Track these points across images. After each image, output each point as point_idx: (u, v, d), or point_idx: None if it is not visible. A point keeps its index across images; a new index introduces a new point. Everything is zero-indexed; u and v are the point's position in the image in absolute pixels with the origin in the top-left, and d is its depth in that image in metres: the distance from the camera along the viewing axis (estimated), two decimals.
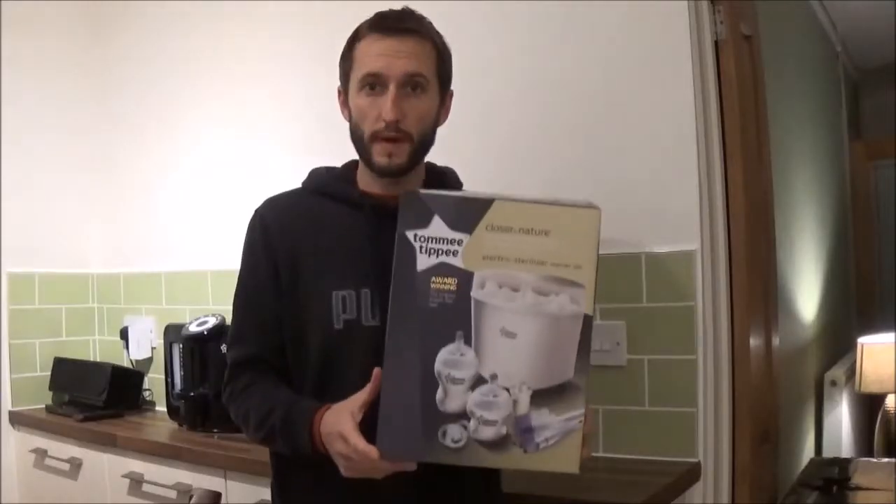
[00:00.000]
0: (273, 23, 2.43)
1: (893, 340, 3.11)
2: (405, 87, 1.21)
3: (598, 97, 1.84)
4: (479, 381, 1.06)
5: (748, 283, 1.81)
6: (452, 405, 1.05)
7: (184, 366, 2.35)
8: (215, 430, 2.18)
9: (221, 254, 2.48)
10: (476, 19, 2.00)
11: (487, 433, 1.05)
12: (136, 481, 2.20)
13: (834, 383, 3.25)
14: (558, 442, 1.06)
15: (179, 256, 2.68)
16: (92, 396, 2.56)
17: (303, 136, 2.28)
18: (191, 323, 2.31)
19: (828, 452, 3.17)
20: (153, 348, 2.74)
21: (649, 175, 1.78)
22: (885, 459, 2.79)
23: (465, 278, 1.06)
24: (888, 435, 3.20)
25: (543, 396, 1.06)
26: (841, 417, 3.24)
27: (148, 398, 2.69)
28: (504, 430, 1.05)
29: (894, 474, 2.39)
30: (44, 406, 2.69)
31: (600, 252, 1.79)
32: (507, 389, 1.06)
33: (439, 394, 1.05)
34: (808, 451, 3.06)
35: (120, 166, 2.89)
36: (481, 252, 1.06)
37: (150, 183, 2.79)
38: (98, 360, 2.89)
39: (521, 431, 1.06)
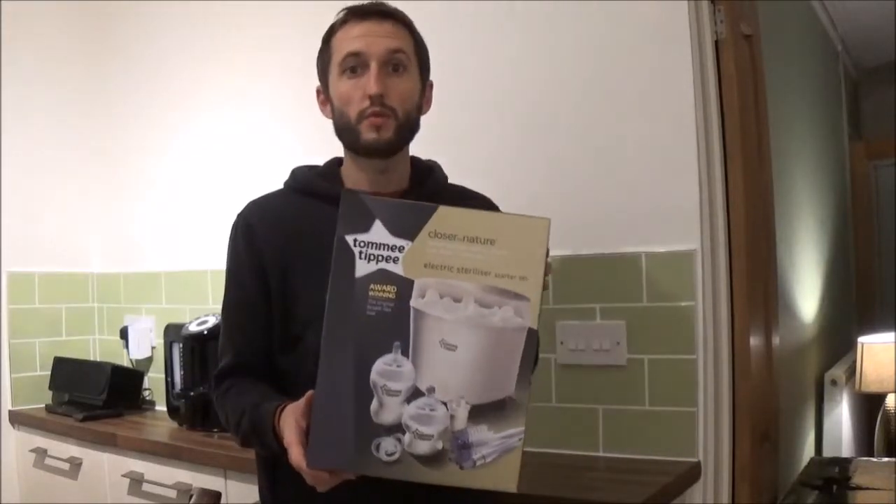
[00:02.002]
0: (273, 18, 2.43)
1: (893, 340, 3.11)
2: (387, 65, 1.22)
3: (597, 96, 1.84)
4: (415, 393, 1.02)
5: (748, 283, 1.81)
6: (387, 417, 1.02)
7: (184, 365, 2.35)
8: (215, 430, 2.18)
9: (221, 253, 2.46)
10: (475, 18, 2.00)
11: (423, 448, 1.02)
12: (136, 481, 2.20)
13: (834, 383, 3.25)
14: (496, 460, 1.03)
15: (179, 256, 2.68)
16: (92, 396, 2.57)
17: (305, 134, 2.28)
18: (191, 322, 2.31)
19: (828, 452, 3.17)
20: (153, 348, 2.74)
21: (649, 175, 1.78)
22: (885, 459, 2.79)
23: (405, 286, 1.03)
24: (888, 434, 3.20)
25: (482, 412, 1.03)
26: (841, 417, 3.24)
27: (148, 398, 2.69)
28: (440, 445, 1.02)
29: (894, 474, 2.39)
30: (44, 406, 2.69)
31: (602, 251, 1.80)
32: (445, 403, 1.02)
33: (374, 405, 1.02)
34: (808, 451, 3.06)
35: (120, 166, 2.89)
36: (423, 260, 1.03)
37: (150, 183, 2.79)
38: (98, 359, 2.89)
39: (458, 447, 1.02)
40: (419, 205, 1.06)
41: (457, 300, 1.03)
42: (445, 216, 1.04)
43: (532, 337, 1.04)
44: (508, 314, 1.03)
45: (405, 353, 1.03)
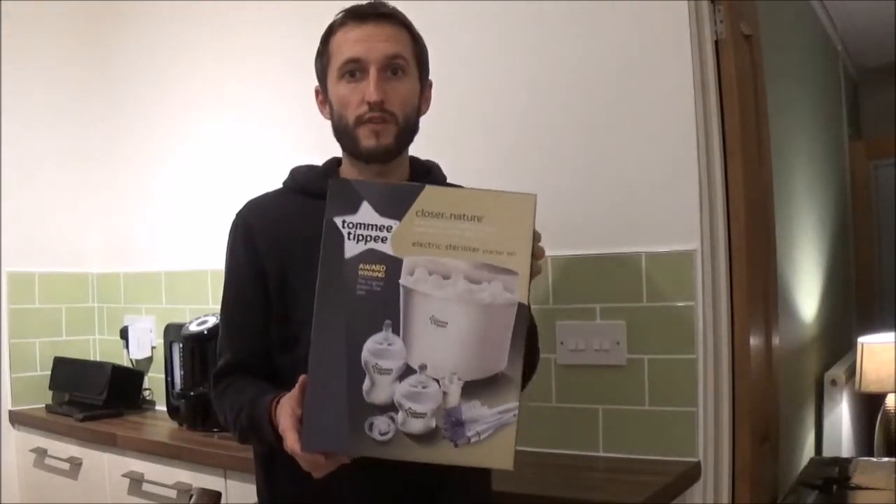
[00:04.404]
0: (273, 18, 2.43)
1: (893, 340, 3.11)
2: (386, 70, 1.22)
3: (597, 96, 1.84)
4: (407, 371, 1.02)
5: (748, 283, 1.81)
6: (380, 396, 1.02)
7: (184, 365, 2.35)
8: (215, 430, 2.18)
9: (221, 253, 2.47)
10: (474, 18, 2.00)
11: (416, 426, 1.02)
12: (136, 481, 2.20)
13: (834, 383, 3.25)
14: (491, 436, 1.02)
15: (179, 256, 2.68)
16: (92, 396, 2.57)
17: (305, 133, 2.28)
18: (191, 322, 2.31)
19: (828, 452, 3.18)
20: (153, 348, 2.74)
21: (649, 175, 1.78)
22: (885, 459, 2.79)
23: (393, 265, 1.03)
24: (888, 434, 3.20)
25: (475, 388, 1.02)
26: (841, 417, 3.24)
27: (148, 398, 2.69)
28: (433, 423, 1.01)
29: (894, 474, 2.39)
30: (44, 406, 2.69)
31: (602, 251, 1.81)
32: (437, 380, 1.02)
33: (366, 384, 1.02)
34: (808, 451, 3.06)
35: (120, 166, 2.89)
36: (411, 238, 1.03)
37: (149, 183, 2.79)
38: (98, 359, 2.89)
39: (452, 424, 1.01)
40: (406, 185, 1.07)
41: (446, 277, 1.03)
42: (432, 195, 1.04)
43: (522, 311, 1.03)
44: (498, 289, 1.03)
45: (396, 331, 1.03)
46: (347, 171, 1.30)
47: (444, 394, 1.02)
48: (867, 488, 2.25)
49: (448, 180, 1.38)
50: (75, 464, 2.42)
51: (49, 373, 2.74)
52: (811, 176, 3.40)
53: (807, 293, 3.13)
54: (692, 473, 1.67)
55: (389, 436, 1.02)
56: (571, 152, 1.87)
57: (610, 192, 1.82)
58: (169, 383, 2.46)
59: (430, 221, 1.03)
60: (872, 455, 3.26)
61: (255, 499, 1.78)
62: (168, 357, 2.47)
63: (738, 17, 1.90)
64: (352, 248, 1.03)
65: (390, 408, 1.02)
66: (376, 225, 1.04)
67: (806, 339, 3.11)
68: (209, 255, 2.51)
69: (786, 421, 2.50)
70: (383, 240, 1.03)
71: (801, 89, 3.32)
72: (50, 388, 2.73)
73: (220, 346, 1.31)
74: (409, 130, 1.26)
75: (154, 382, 2.70)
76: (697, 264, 1.72)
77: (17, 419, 2.66)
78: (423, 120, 1.31)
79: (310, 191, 1.29)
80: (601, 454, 1.79)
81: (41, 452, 2.54)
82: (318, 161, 1.37)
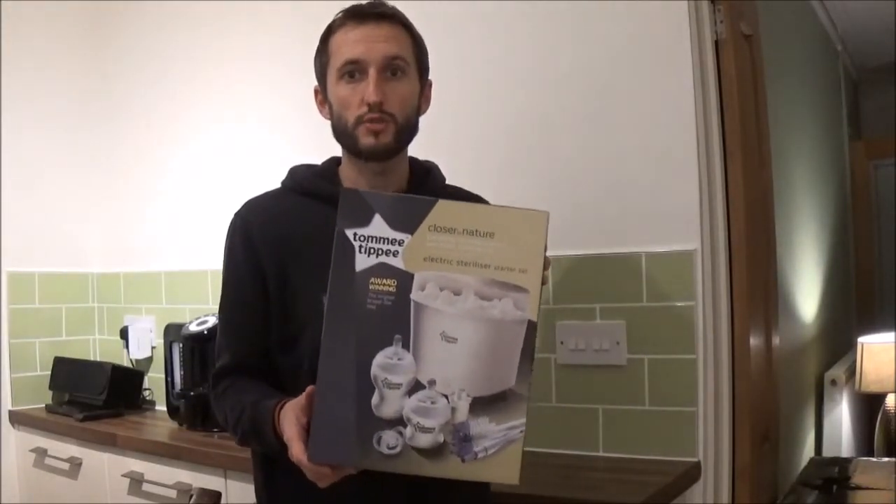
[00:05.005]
0: (272, 21, 2.43)
1: (893, 340, 3.11)
2: (385, 71, 1.21)
3: (597, 96, 1.84)
4: (416, 386, 1.02)
5: (748, 283, 1.81)
6: (388, 411, 1.02)
7: (184, 365, 2.35)
8: (215, 430, 2.18)
9: (221, 253, 2.47)
10: (475, 18, 2.00)
11: (424, 441, 1.02)
12: (136, 481, 2.20)
13: (834, 383, 3.25)
14: (497, 452, 1.03)
15: (179, 256, 2.68)
16: (92, 396, 2.57)
17: (304, 134, 2.28)
18: (191, 322, 2.31)
19: (828, 452, 3.18)
20: (153, 348, 2.74)
21: (649, 174, 1.78)
22: (885, 459, 2.79)
23: (405, 280, 1.03)
24: (888, 434, 3.20)
25: (483, 404, 1.03)
26: (841, 417, 3.24)
27: (148, 398, 2.69)
28: (441, 438, 1.02)
29: (894, 474, 2.39)
30: (44, 406, 2.69)
31: (602, 251, 1.81)
32: (446, 396, 1.03)
33: (375, 398, 1.02)
34: (808, 451, 3.06)
35: (120, 166, 2.89)
36: (423, 253, 1.03)
37: (149, 183, 2.79)
38: (98, 359, 2.89)
39: (459, 440, 1.02)
40: (419, 199, 1.06)
41: (457, 293, 1.03)
42: (445, 210, 1.04)
43: (532, 329, 1.04)
44: (508, 306, 1.03)
45: (406, 346, 1.03)
46: (347, 170, 1.30)
47: (453, 409, 1.03)
48: (867, 488, 2.25)
49: (447, 181, 1.39)
50: (75, 464, 2.42)
51: (49, 373, 2.74)
52: (811, 176, 3.40)
53: (807, 293, 3.13)
54: (692, 473, 1.68)
55: (397, 450, 1.02)
56: (571, 152, 1.87)
57: (610, 193, 1.82)
58: (169, 383, 2.46)
59: (443, 237, 1.04)
60: (872, 455, 3.26)
61: (254, 499, 1.77)
62: (168, 357, 2.47)
63: (738, 17, 1.90)
64: (363, 262, 1.03)
65: (399, 422, 1.02)
66: (388, 238, 1.03)
67: (806, 339, 3.11)
68: (209, 255, 2.50)
69: (786, 421, 2.50)
70: (395, 254, 1.03)
71: (801, 89, 3.32)
72: (50, 388, 2.73)
73: (218, 347, 1.31)
74: (408, 130, 1.26)
75: (154, 382, 2.70)
76: (697, 264, 1.72)
77: (17, 419, 2.66)
78: (422, 120, 1.31)
79: (308, 190, 1.29)
80: (601, 454, 1.79)
81: (41, 452, 2.54)
82: (318, 161, 1.37)
